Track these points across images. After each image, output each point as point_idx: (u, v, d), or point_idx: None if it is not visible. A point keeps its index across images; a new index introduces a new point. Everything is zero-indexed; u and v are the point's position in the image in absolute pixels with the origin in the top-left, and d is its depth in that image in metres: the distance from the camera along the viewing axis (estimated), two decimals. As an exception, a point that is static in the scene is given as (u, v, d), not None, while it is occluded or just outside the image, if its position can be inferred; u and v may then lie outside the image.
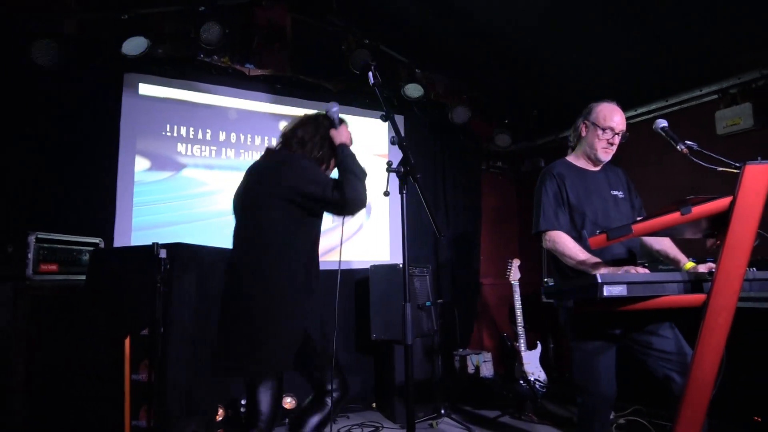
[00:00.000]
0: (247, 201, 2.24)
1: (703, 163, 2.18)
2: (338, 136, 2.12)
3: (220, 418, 3.67)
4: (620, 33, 4.08)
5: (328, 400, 1.96)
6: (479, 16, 4.38)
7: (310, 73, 4.66)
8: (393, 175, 1.55)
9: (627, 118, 2.64)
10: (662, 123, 2.34)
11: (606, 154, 2.47)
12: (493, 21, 4.43)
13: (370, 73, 1.74)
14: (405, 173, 1.50)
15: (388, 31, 4.79)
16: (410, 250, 3.05)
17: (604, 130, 2.43)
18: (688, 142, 2.24)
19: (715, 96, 3.99)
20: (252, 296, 1.98)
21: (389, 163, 1.56)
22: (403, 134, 1.62)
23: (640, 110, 4.36)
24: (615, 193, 2.48)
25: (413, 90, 4.79)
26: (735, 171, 2.05)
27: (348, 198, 1.82)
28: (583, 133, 2.51)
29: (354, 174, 1.90)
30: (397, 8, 4.49)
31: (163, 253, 2.84)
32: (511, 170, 5.94)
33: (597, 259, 2.25)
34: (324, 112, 2.24)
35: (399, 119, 5.23)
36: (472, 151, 5.61)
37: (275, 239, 2.02)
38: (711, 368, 1.88)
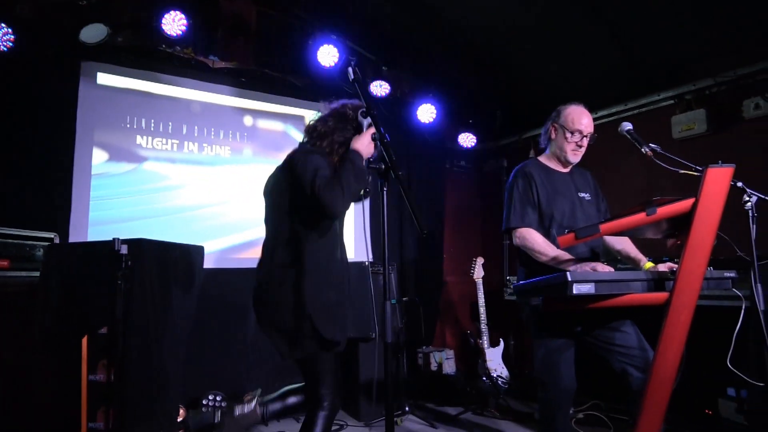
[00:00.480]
0: (268, 195, 2.29)
1: (666, 166, 2.26)
2: (356, 141, 1.97)
3: (181, 419, 3.58)
4: (583, 39, 4.20)
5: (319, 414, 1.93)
6: (448, 16, 4.41)
7: (275, 67, 4.58)
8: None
9: (587, 121, 2.70)
10: (627, 126, 2.41)
11: (575, 156, 2.53)
12: (461, 22, 4.47)
13: (350, 69, 1.72)
14: (385, 170, 1.50)
15: (355, 27, 4.76)
16: (375, 247, 3.05)
17: (572, 132, 2.49)
18: (652, 145, 2.32)
19: (672, 101, 4.14)
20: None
21: (369, 161, 1.55)
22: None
23: (600, 113, 4.48)
24: (582, 195, 2.55)
25: (380, 88, 4.78)
26: (696, 174, 2.14)
27: (325, 202, 1.76)
28: (553, 136, 2.57)
29: (342, 182, 1.79)
30: (365, 4, 4.47)
31: (124, 249, 2.75)
32: (474, 169, 6.01)
33: (569, 256, 2.30)
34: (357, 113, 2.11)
35: (365, 116, 5.21)
36: (437, 149, 5.65)
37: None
38: (673, 363, 1.96)
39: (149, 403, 2.96)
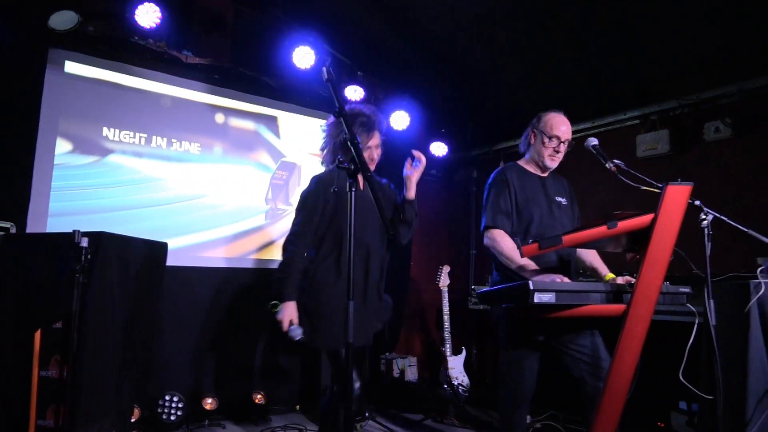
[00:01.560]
0: None
1: (629, 182, 2.33)
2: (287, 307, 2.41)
3: (135, 419, 3.50)
4: (554, 56, 4.30)
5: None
6: (425, 27, 4.46)
7: (250, 66, 4.54)
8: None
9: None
10: (593, 141, 2.48)
11: (552, 161, 2.60)
12: (437, 34, 4.53)
13: (325, 69, 1.72)
14: (354, 170, 1.50)
15: (332, 31, 4.77)
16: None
17: (550, 138, 2.56)
18: (616, 161, 2.38)
19: (637, 121, 4.27)
20: None
21: (340, 161, 1.55)
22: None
23: (568, 129, 4.58)
24: (559, 199, 2.62)
25: (354, 92, 4.79)
26: (657, 191, 2.20)
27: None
28: (532, 141, 2.63)
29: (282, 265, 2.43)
30: (343, 8, 4.48)
31: (84, 242, 2.67)
32: (444, 179, 6.06)
33: (534, 266, 2.34)
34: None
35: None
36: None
37: None
38: (627, 374, 2.01)
39: (103, 401, 2.88)
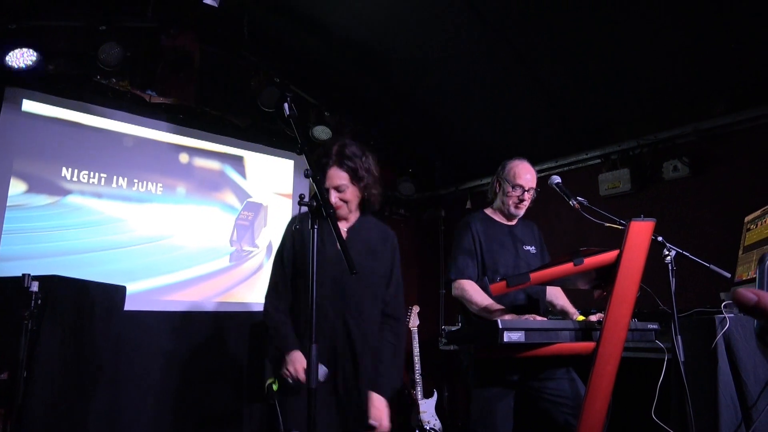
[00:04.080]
0: None
1: (592, 218, 2.36)
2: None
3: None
4: (518, 99, 4.41)
5: None
6: (393, 66, 4.54)
7: (216, 106, 4.52)
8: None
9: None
10: (556, 179, 2.51)
11: (517, 210, 2.60)
12: (404, 74, 4.61)
13: (286, 105, 1.70)
14: (317, 207, 1.46)
15: (299, 71, 4.81)
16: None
17: (513, 187, 2.57)
18: (580, 198, 2.42)
19: (599, 160, 4.37)
20: None
21: (301, 197, 1.51)
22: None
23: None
24: (527, 248, 2.61)
25: (321, 132, 4.79)
26: (620, 227, 2.23)
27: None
28: (497, 190, 2.64)
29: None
30: (309, 49, 4.53)
31: (34, 286, 2.54)
32: (412, 218, 6.06)
33: (500, 306, 2.32)
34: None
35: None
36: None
37: None
38: (600, 412, 1.97)
39: (49, 458, 2.69)
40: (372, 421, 1.96)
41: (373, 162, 2.20)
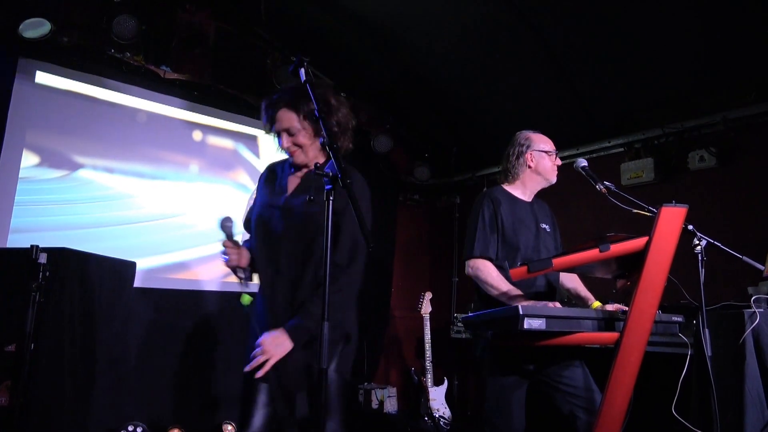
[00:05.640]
0: None
1: (619, 204, 2.26)
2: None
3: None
4: (539, 84, 4.28)
5: None
6: (411, 50, 4.44)
7: (231, 83, 4.45)
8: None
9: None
10: (582, 162, 2.41)
11: (555, 176, 2.55)
12: (423, 58, 4.50)
13: (302, 70, 1.62)
14: (333, 178, 1.38)
15: (315, 52, 4.71)
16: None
17: (549, 153, 2.52)
18: (607, 183, 2.32)
19: (622, 149, 4.24)
20: None
21: (317, 166, 1.43)
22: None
23: (553, 156, 4.55)
24: (543, 225, 2.52)
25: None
26: (648, 214, 2.13)
27: None
28: (531, 163, 2.52)
29: None
30: (326, 29, 4.44)
31: (43, 258, 2.50)
32: (426, 204, 5.98)
33: (519, 292, 2.23)
34: None
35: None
36: (391, 181, 5.60)
37: None
38: (621, 405, 1.89)
39: (55, 431, 2.66)
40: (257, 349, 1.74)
41: (346, 111, 1.94)
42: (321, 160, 1.90)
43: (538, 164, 2.51)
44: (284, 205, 1.90)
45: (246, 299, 1.96)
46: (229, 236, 1.91)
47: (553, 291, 2.44)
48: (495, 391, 2.30)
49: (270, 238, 1.89)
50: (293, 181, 1.98)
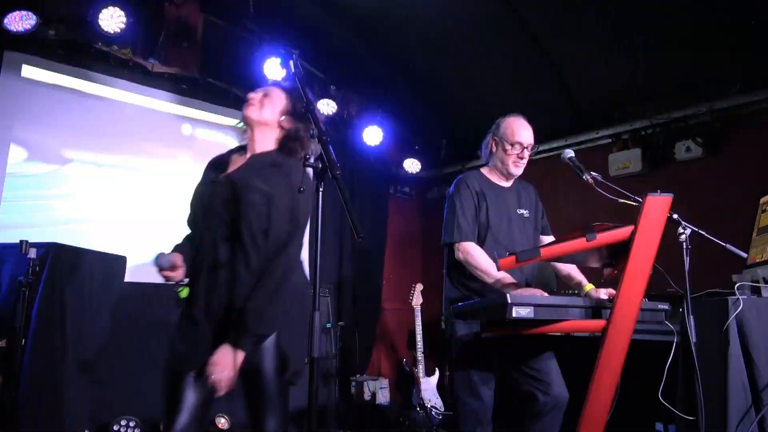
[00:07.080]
0: None
1: (606, 194, 2.28)
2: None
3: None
4: (527, 76, 4.30)
5: None
6: (400, 42, 4.44)
7: (219, 77, 4.43)
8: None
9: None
10: (569, 153, 2.41)
11: (516, 169, 2.48)
12: (412, 51, 4.51)
13: (291, 62, 1.62)
14: (323, 169, 1.39)
15: (305, 44, 4.69)
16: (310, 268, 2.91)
17: (512, 145, 2.44)
18: (593, 173, 2.34)
19: (609, 140, 4.28)
20: None
21: (305, 157, 1.44)
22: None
23: (541, 147, 4.56)
24: (521, 212, 2.50)
25: (327, 106, 4.70)
26: (634, 204, 2.16)
27: None
28: (493, 149, 2.51)
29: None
30: (316, 21, 4.42)
31: (32, 253, 2.50)
32: (417, 196, 6.00)
33: (512, 279, 2.25)
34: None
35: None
36: (381, 174, 5.61)
37: None
38: (608, 392, 1.92)
39: (48, 426, 2.66)
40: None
41: (316, 121, 1.68)
42: (269, 147, 1.88)
43: (497, 152, 2.49)
44: (221, 180, 1.85)
45: (185, 292, 1.91)
46: (166, 267, 1.85)
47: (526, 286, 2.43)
48: (463, 372, 2.38)
49: (201, 212, 1.89)
50: (237, 161, 1.91)
